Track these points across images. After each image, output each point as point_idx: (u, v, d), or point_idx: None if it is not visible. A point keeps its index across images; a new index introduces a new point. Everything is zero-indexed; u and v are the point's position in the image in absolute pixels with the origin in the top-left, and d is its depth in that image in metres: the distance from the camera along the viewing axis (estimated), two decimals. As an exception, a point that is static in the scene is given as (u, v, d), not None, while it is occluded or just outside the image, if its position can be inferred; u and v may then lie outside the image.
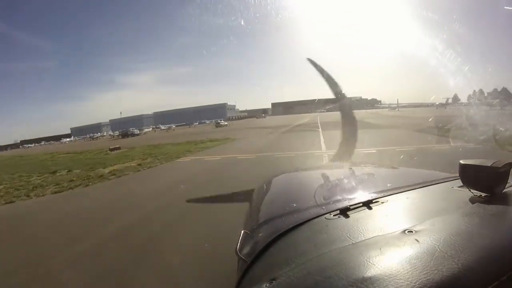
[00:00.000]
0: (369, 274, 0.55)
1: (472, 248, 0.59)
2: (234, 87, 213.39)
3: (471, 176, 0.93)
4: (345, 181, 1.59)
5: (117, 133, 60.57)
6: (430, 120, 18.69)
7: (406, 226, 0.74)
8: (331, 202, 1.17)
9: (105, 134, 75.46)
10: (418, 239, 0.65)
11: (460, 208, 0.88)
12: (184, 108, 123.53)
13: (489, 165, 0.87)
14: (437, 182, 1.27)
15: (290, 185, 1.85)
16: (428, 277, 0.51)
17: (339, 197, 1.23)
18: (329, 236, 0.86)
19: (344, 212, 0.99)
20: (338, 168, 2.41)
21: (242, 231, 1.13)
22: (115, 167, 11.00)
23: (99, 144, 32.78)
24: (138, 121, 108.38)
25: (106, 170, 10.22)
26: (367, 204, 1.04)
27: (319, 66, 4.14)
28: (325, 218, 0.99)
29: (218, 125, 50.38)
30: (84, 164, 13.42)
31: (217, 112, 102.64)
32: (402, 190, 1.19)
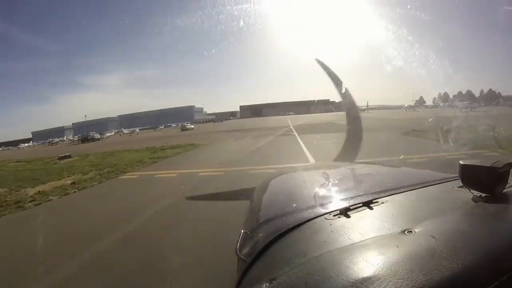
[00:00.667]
0: (369, 274, 0.52)
1: (472, 248, 0.56)
2: (203, 90, 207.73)
3: (471, 176, 0.85)
4: (345, 181, 1.51)
5: (76, 138, 54.89)
6: (429, 121, 16.52)
7: (406, 226, 0.70)
8: (331, 202, 1.07)
9: (65, 139, 67.93)
10: (418, 239, 0.62)
11: (460, 208, 0.83)
12: (150, 111, 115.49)
13: (489, 165, 0.79)
14: (437, 182, 1.17)
15: (290, 185, 1.66)
16: (428, 277, 0.48)
17: (339, 197, 1.13)
18: (329, 236, 0.80)
19: (344, 212, 0.92)
20: (338, 168, 2.25)
21: (242, 231, 1.03)
22: (46, 185, 8.80)
23: (55, 150, 28.42)
24: (103, 124, 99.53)
25: (32, 191, 8.02)
26: (367, 204, 0.97)
27: (328, 68, 3.61)
28: (325, 218, 0.92)
29: (184, 128, 47.62)
30: (18, 179, 11.03)
31: (185, 114, 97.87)
32: (402, 190, 1.10)
